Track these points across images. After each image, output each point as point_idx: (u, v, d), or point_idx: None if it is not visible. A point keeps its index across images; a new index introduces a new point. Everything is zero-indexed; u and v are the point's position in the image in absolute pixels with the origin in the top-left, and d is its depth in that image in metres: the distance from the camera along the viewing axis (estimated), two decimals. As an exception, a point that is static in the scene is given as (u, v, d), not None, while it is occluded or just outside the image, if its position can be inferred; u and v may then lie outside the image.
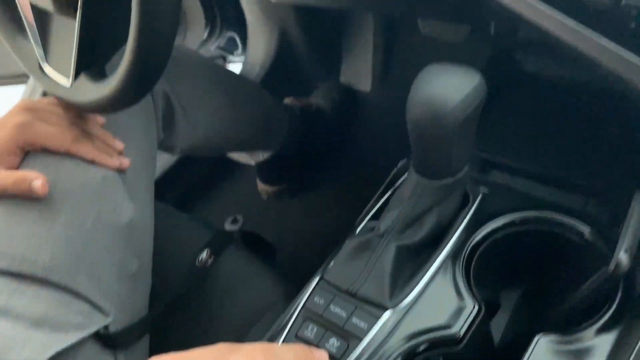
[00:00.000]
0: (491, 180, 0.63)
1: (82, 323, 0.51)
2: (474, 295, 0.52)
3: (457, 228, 0.56)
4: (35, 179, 0.52)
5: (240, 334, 0.64)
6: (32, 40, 0.57)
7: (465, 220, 0.57)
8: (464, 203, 0.58)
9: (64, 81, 0.54)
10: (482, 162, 0.65)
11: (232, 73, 0.96)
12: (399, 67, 1.11)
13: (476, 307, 0.51)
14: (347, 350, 0.50)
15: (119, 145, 0.60)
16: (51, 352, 0.48)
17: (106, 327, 0.54)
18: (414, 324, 0.51)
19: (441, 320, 0.51)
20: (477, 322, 0.51)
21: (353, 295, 0.53)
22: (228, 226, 1.08)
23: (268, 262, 0.74)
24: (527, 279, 0.62)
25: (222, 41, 1.33)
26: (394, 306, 0.51)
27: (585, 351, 0.47)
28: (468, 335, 0.50)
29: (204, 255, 0.67)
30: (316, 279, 0.55)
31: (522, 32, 0.63)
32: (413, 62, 1.05)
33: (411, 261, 0.54)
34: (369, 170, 0.80)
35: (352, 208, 0.66)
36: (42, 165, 0.54)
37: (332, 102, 1.15)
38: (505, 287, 0.62)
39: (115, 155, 0.59)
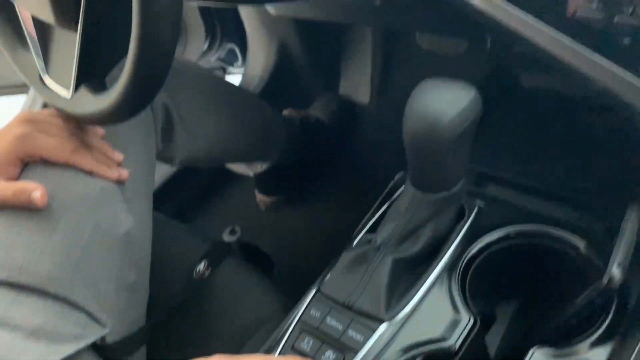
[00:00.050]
0: (487, 193, 0.64)
1: (80, 334, 0.51)
2: (469, 308, 0.53)
3: (453, 241, 0.56)
4: (34, 190, 0.52)
5: (237, 346, 0.64)
6: (33, 52, 0.58)
7: (461, 234, 0.57)
8: (460, 216, 0.59)
9: (65, 93, 0.55)
10: (478, 176, 0.65)
11: (231, 85, 0.97)
12: (397, 80, 1.12)
13: (472, 320, 0.51)
14: (343, 363, 0.50)
15: (118, 156, 0.61)
16: (48, 362, 0.48)
17: (103, 338, 0.54)
18: (409, 337, 0.52)
19: (437, 333, 0.51)
20: (472, 335, 0.51)
21: (349, 307, 0.53)
22: (226, 237, 1.08)
23: (265, 274, 0.75)
24: (522, 292, 0.63)
25: (222, 53, 1.33)
26: (390, 319, 0.52)
27: (580, 364, 0.48)
28: (463, 348, 0.50)
29: (201, 266, 0.67)
30: (313, 292, 0.56)
31: (517, 47, 0.64)
32: (411, 75, 1.05)
33: (407, 274, 0.55)
34: (367, 182, 0.81)
35: (350, 219, 0.67)
36: (41, 176, 0.55)
37: (331, 114, 1.15)
38: (501, 300, 0.62)
39: (114, 167, 0.59)
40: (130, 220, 0.59)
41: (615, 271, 0.44)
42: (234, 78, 1.33)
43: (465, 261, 0.56)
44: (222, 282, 0.69)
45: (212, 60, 1.34)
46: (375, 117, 1.16)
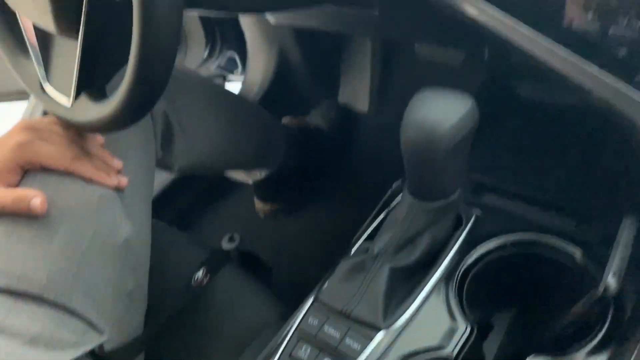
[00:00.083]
0: (484, 202, 0.64)
1: (78, 342, 0.51)
2: (466, 317, 0.53)
3: (450, 250, 0.57)
4: (34, 197, 0.52)
5: (234, 354, 0.64)
6: (34, 60, 0.58)
7: (458, 243, 0.57)
8: (457, 225, 0.59)
9: (65, 101, 0.55)
10: (475, 185, 0.66)
11: (230, 93, 0.97)
12: (396, 88, 1.13)
13: (469, 329, 0.52)
14: (341, 371, 0.50)
15: (118, 164, 0.61)
16: (46, 370, 0.48)
17: (101, 346, 0.54)
18: (407, 345, 0.52)
19: (434, 341, 0.51)
20: (469, 343, 0.51)
21: (347, 316, 0.53)
22: (225, 244, 1.08)
23: (264, 282, 0.75)
24: (519, 301, 0.63)
25: (222, 60, 1.34)
26: (388, 327, 0.52)
27: (577, 373, 0.48)
28: (460, 357, 0.51)
29: (199, 274, 0.67)
30: (310, 300, 0.56)
31: (515, 58, 0.64)
32: (410, 84, 1.06)
33: (405, 282, 0.55)
34: (365, 190, 0.81)
35: (349, 227, 0.67)
36: (41, 183, 0.55)
37: (330, 121, 1.16)
38: (498, 309, 0.63)
39: (113, 174, 0.59)
40: (129, 227, 0.59)
41: (610, 280, 0.44)
42: (234, 85, 1.33)
43: (462, 270, 0.56)
44: (221, 289, 0.69)
45: (212, 67, 1.34)
46: (374, 125, 1.16)
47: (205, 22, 1.26)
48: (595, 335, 0.49)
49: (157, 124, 0.70)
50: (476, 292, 0.56)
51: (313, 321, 0.54)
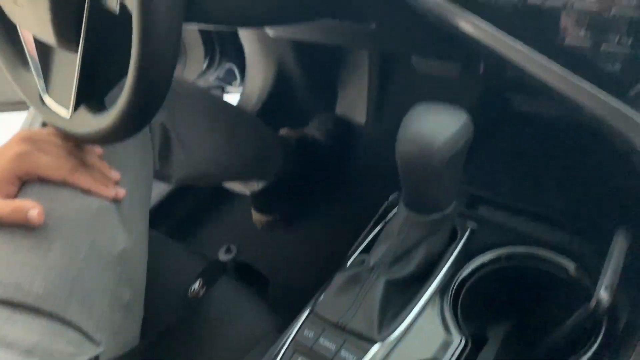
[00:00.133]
0: (479, 215, 0.65)
1: (74, 353, 0.51)
2: (461, 330, 0.53)
3: (445, 263, 0.57)
4: (31, 208, 0.52)
5: (230, 365, 0.64)
6: (33, 72, 0.59)
7: (454, 255, 0.58)
8: (452, 238, 0.59)
9: (64, 112, 0.56)
10: (471, 198, 0.66)
11: (228, 104, 0.98)
12: (393, 100, 1.13)
13: (463, 341, 0.52)
14: (336, 383, 0.50)
15: (116, 175, 0.61)
16: (41, 381, 0.48)
17: (97, 357, 0.54)
18: (402, 358, 0.52)
19: (429, 353, 0.52)
20: (464, 356, 0.51)
21: (342, 328, 0.53)
22: (222, 255, 1.08)
23: (260, 293, 0.75)
24: (514, 314, 0.63)
25: (220, 72, 1.35)
26: (383, 339, 0.52)
27: (570, 386, 0.48)
28: (455, 369, 0.51)
29: (196, 285, 0.68)
30: (306, 312, 0.56)
31: (509, 72, 0.65)
32: (407, 96, 1.07)
33: (400, 295, 0.55)
34: (363, 201, 0.81)
35: (346, 238, 0.67)
36: (39, 194, 0.55)
37: (327, 133, 1.16)
38: (493, 322, 0.63)
39: (111, 186, 0.60)
40: (126, 238, 0.59)
41: (603, 294, 0.45)
42: (232, 97, 1.34)
43: (457, 283, 0.57)
44: (217, 301, 0.69)
45: (211, 79, 1.35)
46: (371, 137, 1.17)
47: (204, 34, 1.27)
48: (590, 348, 0.50)
49: (155, 135, 0.71)
50: (471, 305, 0.56)
51: (309, 333, 0.54)
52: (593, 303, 0.45)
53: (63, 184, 0.57)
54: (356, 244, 0.63)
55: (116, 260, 0.58)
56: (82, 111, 0.54)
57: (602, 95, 0.44)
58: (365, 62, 1.10)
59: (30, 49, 0.58)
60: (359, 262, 0.59)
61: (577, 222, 0.60)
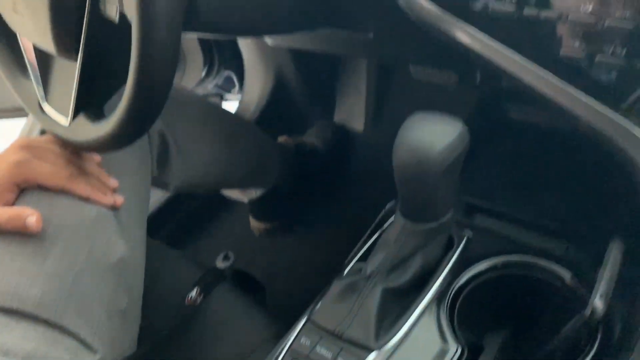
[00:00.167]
0: (476, 224, 0.65)
1: (71, 360, 0.52)
2: (457, 338, 0.53)
3: (442, 271, 0.57)
4: (29, 215, 0.53)
5: (227, 373, 0.64)
6: (33, 80, 0.59)
7: (450, 264, 0.58)
8: (449, 246, 0.60)
9: (63, 120, 0.56)
10: (467, 206, 0.66)
11: (227, 112, 0.98)
12: (391, 108, 1.14)
13: (459, 350, 0.52)
14: (332, 392, 0.50)
15: (113, 183, 0.62)
16: (38, 388, 0.48)
17: (94, 364, 0.54)
18: (398, 366, 0.52)
19: (425, 362, 0.52)
20: (460, 364, 0.51)
21: (339, 336, 0.53)
22: (219, 263, 1.08)
23: (257, 301, 0.75)
24: (510, 322, 0.63)
25: (219, 80, 1.35)
26: (379, 348, 0.52)
27: (566, 395, 0.48)
28: (452, 378, 0.51)
29: (193, 293, 0.68)
30: (303, 320, 0.56)
31: (505, 82, 0.66)
32: (405, 104, 1.08)
33: (397, 303, 0.55)
34: (361, 209, 0.81)
35: (344, 246, 0.67)
36: (37, 201, 0.55)
37: (326, 141, 1.16)
38: (489, 330, 0.63)
39: (109, 193, 0.60)
40: (123, 246, 0.59)
41: (597, 303, 0.45)
42: (231, 104, 1.34)
43: (453, 291, 0.57)
44: (214, 309, 0.69)
45: (209, 86, 1.35)
46: (369, 145, 1.17)
47: (203, 42, 1.27)
48: (585, 356, 0.50)
49: (154, 143, 0.71)
50: (467, 313, 0.56)
51: (305, 341, 0.54)
52: (588, 312, 0.46)
53: (61, 191, 0.57)
54: (353, 252, 0.64)
55: (114, 268, 0.58)
56: (81, 119, 0.54)
57: (597, 105, 0.45)
58: (363, 70, 1.11)
59: (29, 57, 0.59)
60: (356, 271, 0.59)
61: (573, 231, 0.60)
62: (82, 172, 0.59)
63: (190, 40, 1.27)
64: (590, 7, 0.43)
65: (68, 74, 0.53)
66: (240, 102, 1.24)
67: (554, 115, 0.48)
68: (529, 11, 0.46)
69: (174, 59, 0.47)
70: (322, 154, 1.14)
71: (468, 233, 0.61)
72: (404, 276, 0.55)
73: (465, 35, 0.49)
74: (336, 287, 0.57)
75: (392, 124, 0.56)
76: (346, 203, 1.14)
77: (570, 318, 0.50)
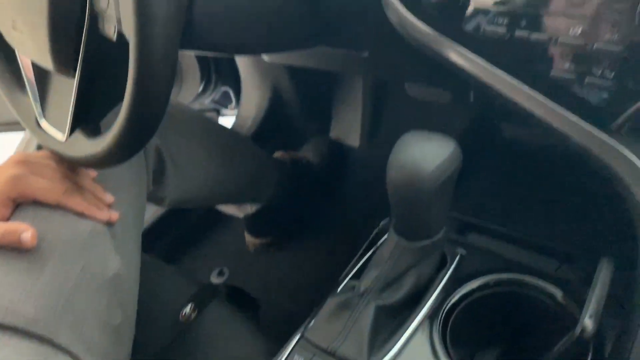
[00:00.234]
0: (469, 242, 0.65)
1: (63, 376, 0.51)
2: (450, 356, 0.53)
3: (435, 289, 0.57)
4: (24, 230, 0.53)
5: (220, 390, 0.63)
6: (30, 96, 0.59)
7: (443, 282, 0.58)
8: (442, 264, 0.60)
9: (60, 136, 0.56)
10: (460, 224, 0.67)
11: (223, 128, 0.99)
12: (386, 124, 1.15)
13: (452, 368, 0.52)
14: (325, 409, 0.50)
15: (109, 198, 0.62)
16: (30, 405, 0.48)
17: (86, 381, 0.54)
18: (391, 384, 0.52)
19: (418, 380, 0.52)
20: (453, 382, 0.51)
21: (332, 354, 0.53)
22: (214, 278, 1.08)
23: (251, 317, 0.75)
24: (502, 340, 0.63)
25: (216, 95, 1.36)
26: (372, 365, 0.52)
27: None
28: (444, 396, 0.51)
29: (187, 309, 0.68)
30: (297, 337, 0.56)
31: (498, 101, 0.67)
32: (400, 120, 1.09)
33: (390, 321, 0.55)
34: (356, 225, 0.82)
35: (339, 262, 0.67)
36: (32, 217, 0.56)
37: (322, 156, 1.17)
38: (482, 348, 0.63)
39: (104, 209, 0.60)
40: (118, 261, 0.59)
41: (587, 322, 0.46)
42: (228, 120, 1.35)
43: (446, 309, 0.57)
44: (208, 325, 0.69)
45: (206, 102, 1.36)
46: (365, 160, 1.18)
47: (200, 58, 1.28)
48: (577, 375, 0.50)
49: (150, 158, 0.71)
50: (460, 331, 0.57)
51: (299, 359, 0.54)
52: (578, 331, 0.46)
53: (57, 206, 0.57)
54: (347, 269, 0.64)
55: (108, 284, 0.58)
56: (78, 135, 0.54)
57: (586, 125, 0.45)
58: (359, 87, 1.12)
59: (28, 73, 0.59)
60: (350, 288, 0.59)
61: (564, 249, 0.61)
62: (77, 187, 0.59)
63: (188, 56, 1.28)
64: (579, 30, 0.44)
65: (65, 90, 0.54)
66: (237, 118, 1.24)
67: (546, 135, 0.49)
68: (520, 33, 0.47)
69: (170, 77, 0.47)
70: (317, 170, 1.14)
71: (461, 251, 0.62)
72: (397, 294, 0.56)
73: (457, 55, 0.50)
74: (330, 304, 0.57)
75: (388, 140, 0.56)
76: (341, 219, 1.14)
77: (561, 336, 0.50)
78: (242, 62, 1.17)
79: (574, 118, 0.46)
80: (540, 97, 0.47)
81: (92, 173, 0.63)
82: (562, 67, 0.46)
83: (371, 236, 0.67)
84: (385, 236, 0.62)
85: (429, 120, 0.57)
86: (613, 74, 0.43)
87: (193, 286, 0.72)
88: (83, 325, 0.54)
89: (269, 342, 0.69)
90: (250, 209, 1.06)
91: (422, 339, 0.55)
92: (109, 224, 0.60)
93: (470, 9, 0.49)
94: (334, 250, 1.06)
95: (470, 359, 0.62)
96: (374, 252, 0.64)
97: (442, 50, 0.51)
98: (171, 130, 0.76)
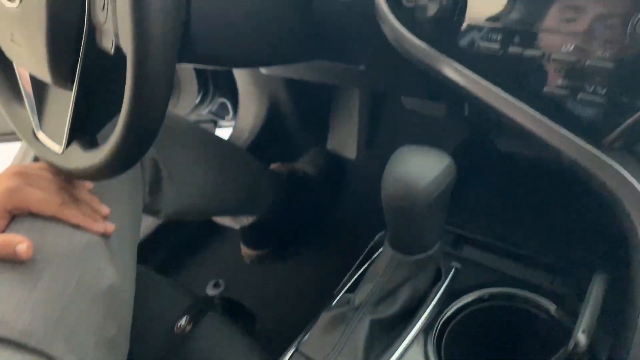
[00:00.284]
0: (464, 256, 0.65)
1: (56, 388, 0.51)
2: (444, 370, 0.53)
3: (430, 303, 0.57)
4: (20, 242, 0.53)
5: (214, 403, 0.63)
6: (28, 108, 0.60)
7: (438, 295, 0.58)
8: (437, 278, 0.60)
9: (56, 148, 0.56)
10: (455, 237, 0.67)
11: (220, 139, 0.99)
12: (383, 136, 1.15)
13: (447, 382, 0.52)
14: (319, 423, 0.50)
15: (105, 210, 0.62)
16: (22, 418, 0.48)
17: (79, 394, 0.53)
18: (385, 398, 0.52)
19: (412, 394, 0.52)
20: (447, 396, 0.51)
21: (327, 367, 0.53)
22: (210, 290, 1.08)
23: (247, 329, 0.75)
24: (497, 353, 0.63)
25: (213, 106, 1.36)
26: (367, 379, 0.52)
27: None
28: (438, 410, 0.51)
29: (182, 321, 0.67)
30: (291, 351, 0.56)
31: (492, 115, 0.67)
32: (397, 132, 1.09)
33: (385, 335, 0.56)
34: (352, 237, 0.82)
35: (335, 275, 0.68)
36: (28, 228, 0.56)
37: (318, 168, 1.17)
38: (476, 362, 0.63)
39: (100, 220, 0.60)
40: (113, 274, 0.59)
41: (580, 336, 0.46)
42: (225, 131, 1.35)
43: (441, 322, 0.57)
44: (203, 337, 0.69)
45: (204, 113, 1.37)
46: (362, 172, 1.18)
47: (198, 69, 1.29)
48: (571, 389, 0.50)
49: (146, 170, 0.71)
50: (455, 345, 0.57)
51: (293, 372, 0.54)
52: (571, 345, 0.46)
53: (53, 218, 0.57)
54: (342, 283, 0.64)
55: (103, 296, 0.58)
56: (75, 147, 0.54)
57: (578, 141, 0.46)
58: (356, 99, 1.12)
59: (25, 85, 0.60)
60: (345, 302, 0.59)
61: (558, 263, 0.61)
62: (73, 199, 0.59)
63: (186, 67, 1.29)
64: (572, 47, 0.45)
65: (63, 102, 0.54)
66: (234, 129, 1.25)
67: (540, 149, 0.49)
68: (513, 49, 0.48)
69: (167, 90, 0.48)
70: (314, 181, 1.14)
71: (456, 264, 0.62)
72: (392, 307, 0.56)
73: (452, 70, 0.51)
74: (324, 317, 0.57)
75: (385, 152, 0.57)
76: (338, 231, 1.14)
77: (555, 350, 0.50)
78: (240, 74, 1.18)
79: (566, 133, 0.46)
80: (533, 113, 0.48)
81: (89, 185, 0.63)
82: (555, 83, 0.46)
83: (366, 250, 0.67)
84: (381, 249, 0.63)
85: (426, 133, 0.58)
86: (605, 90, 0.44)
87: (188, 298, 0.72)
88: (77, 337, 0.54)
89: (264, 355, 0.69)
90: (246, 220, 1.06)
91: (416, 353, 0.55)
92: (105, 236, 0.60)
93: (464, 25, 0.50)
94: (330, 263, 1.05)
95: (464, 372, 0.62)
96: (369, 266, 0.64)
97: (436, 66, 0.52)
98: (168, 142, 0.76)
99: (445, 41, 0.51)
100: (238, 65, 0.97)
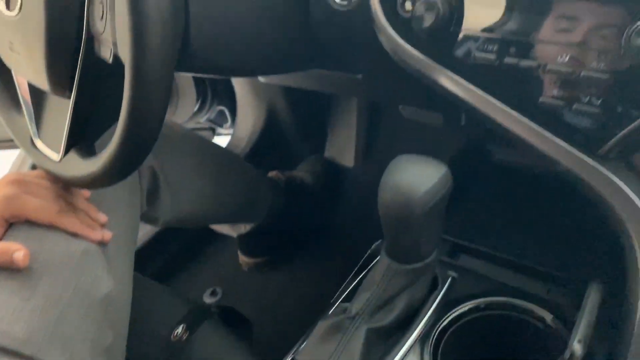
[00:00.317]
0: (460, 265, 0.66)
1: (52, 398, 0.51)
2: (441, 379, 0.53)
3: (426, 312, 0.58)
4: (17, 250, 0.53)
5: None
6: (26, 116, 0.60)
7: (434, 304, 0.58)
8: (434, 286, 0.60)
9: (54, 156, 0.56)
10: (452, 246, 0.67)
11: (217, 147, 0.99)
12: (381, 144, 1.15)
13: (443, 391, 0.52)
14: None
15: (102, 218, 0.62)
16: None
17: (75, 402, 0.53)
18: (382, 407, 0.52)
19: (409, 403, 0.52)
20: (443, 406, 0.51)
21: (323, 377, 0.53)
22: (207, 298, 1.08)
23: (244, 337, 0.74)
24: (494, 363, 0.63)
25: (212, 114, 1.36)
26: (363, 388, 0.52)
27: None
28: (435, 419, 0.51)
29: (179, 329, 0.67)
30: (288, 360, 0.56)
31: (488, 125, 0.68)
32: (395, 141, 1.09)
33: (381, 344, 0.55)
34: (349, 245, 0.82)
35: (332, 283, 0.68)
36: (25, 236, 0.56)
37: (316, 176, 1.17)
38: (473, 371, 0.63)
39: (98, 228, 0.60)
40: (110, 282, 0.59)
41: (576, 346, 0.46)
42: (223, 139, 1.36)
43: (437, 331, 0.57)
44: (200, 346, 0.69)
45: (202, 120, 1.37)
46: (359, 180, 1.18)
47: (196, 77, 1.29)
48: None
49: (144, 178, 0.71)
50: (451, 354, 0.57)
51: (290, 381, 0.54)
52: (567, 355, 0.46)
53: (50, 226, 0.57)
54: (338, 292, 0.64)
55: (100, 304, 0.58)
56: (72, 155, 0.54)
57: (574, 151, 0.46)
58: (354, 107, 1.13)
59: (24, 93, 0.60)
60: (341, 310, 0.59)
61: (555, 273, 0.61)
62: (71, 207, 0.59)
63: (184, 76, 1.29)
64: (567, 58, 0.45)
65: (61, 110, 0.54)
66: (232, 137, 1.25)
67: (536, 159, 0.50)
68: (509, 60, 0.48)
69: (165, 98, 0.48)
70: (312, 189, 1.15)
71: (452, 273, 0.62)
72: (389, 316, 0.56)
73: (448, 81, 0.51)
74: (321, 327, 0.57)
75: (382, 160, 0.57)
76: (335, 239, 1.14)
77: (552, 358, 0.50)
78: (238, 82, 1.18)
79: (562, 143, 0.47)
80: (529, 123, 0.48)
81: (86, 193, 0.63)
82: (550, 94, 0.47)
83: (363, 259, 0.67)
84: (378, 258, 0.63)
85: (423, 142, 0.58)
86: (600, 100, 0.44)
87: (185, 306, 0.72)
88: (74, 345, 0.54)
89: (260, 364, 0.69)
90: (244, 228, 1.06)
91: (413, 362, 0.55)
92: (102, 243, 0.60)
93: (460, 36, 0.50)
94: (327, 271, 1.05)
95: (461, 382, 0.62)
96: (365, 274, 0.64)
97: (433, 76, 0.52)
98: (166, 150, 0.76)
99: (442, 51, 0.51)
100: (236, 75, 0.97)
